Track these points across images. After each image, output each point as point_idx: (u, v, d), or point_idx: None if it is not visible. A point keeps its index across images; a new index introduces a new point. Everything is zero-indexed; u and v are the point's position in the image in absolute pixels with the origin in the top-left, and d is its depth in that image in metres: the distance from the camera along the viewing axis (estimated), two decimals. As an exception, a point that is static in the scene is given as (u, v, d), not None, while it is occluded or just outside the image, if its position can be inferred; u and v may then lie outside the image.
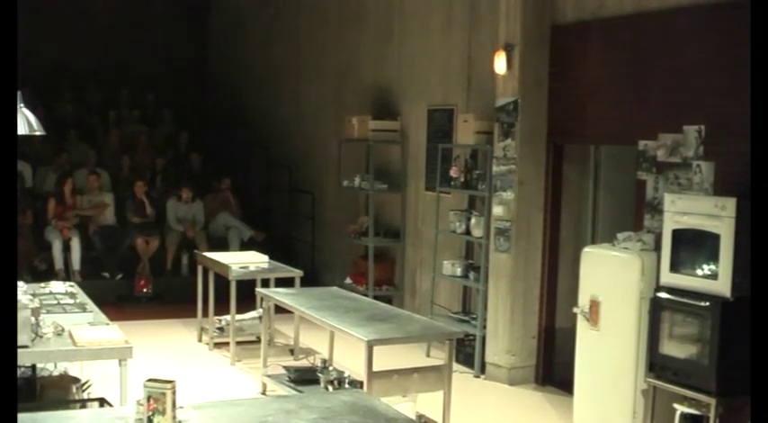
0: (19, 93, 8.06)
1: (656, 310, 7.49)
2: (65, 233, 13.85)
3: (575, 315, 8.23)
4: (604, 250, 8.13)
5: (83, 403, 7.13)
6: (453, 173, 10.80)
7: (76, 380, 7.79)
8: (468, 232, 10.62)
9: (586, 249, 8.34)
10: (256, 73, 17.40)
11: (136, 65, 18.49)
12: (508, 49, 9.77)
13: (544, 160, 9.88)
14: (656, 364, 7.49)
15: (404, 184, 12.52)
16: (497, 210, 9.98)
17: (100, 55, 18.30)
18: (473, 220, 10.49)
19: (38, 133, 8.31)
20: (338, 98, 14.23)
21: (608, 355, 7.90)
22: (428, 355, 10.64)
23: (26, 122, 8.12)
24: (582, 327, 8.16)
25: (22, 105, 8.10)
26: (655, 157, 8.21)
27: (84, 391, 7.48)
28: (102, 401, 7.30)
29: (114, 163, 16.11)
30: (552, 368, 9.95)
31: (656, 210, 8.03)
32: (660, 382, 7.43)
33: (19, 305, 6.67)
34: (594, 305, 7.99)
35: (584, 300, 8.13)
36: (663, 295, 7.42)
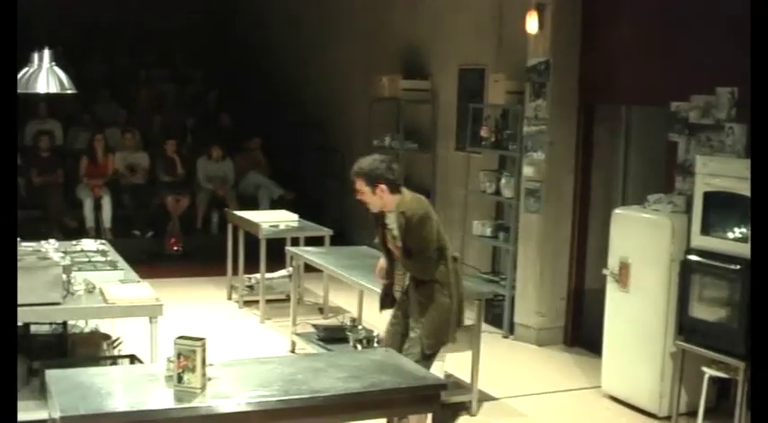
0: (50, 51, 8.10)
1: (685, 272, 7.47)
2: (96, 191, 13.92)
3: (604, 277, 8.22)
4: (635, 212, 8.10)
5: (113, 360, 7.19)
6: (484, 133, 10.77)
7: (107, 337, 7.85)
8: (498, 193, 10.60)
9: (617, 211, 8.31)
10: (286, 32, 17.34)
11: (165, 23, 18.47)
12: (540, 9, 9.71)
13: (575, 121, 9.83)
14: (686, 327, 7.48)
15: (434, 144, 12.50)
16: (528, 170, 9.95)
17: (130, 14, 18.29)
18: (503, 181, 10.47)
19: (69, 91, 8.35)
20: (368, 57, 14.18)
21: (637, 317, 7.89)
22: (457, 315, 10.66)
23: (57, 81, 8.16)
24: (611, 288, 8.15)
25: (53, 63, 8.14)
26: (687, 119, 8.14)
27: (114, 348, 7.54)
28: (133, 358, 7.36)
29: (145, 122, 16.16)
30: (581, 329, 9.95)
31: (688, 172, 7.97)
32: (689, 346, 7.42)
33: (50, 262, 6.74)
34: (624, 267, 7.97)
35: (613, 261, 8.11)
36: (693, 258, 7.39)
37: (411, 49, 12.99)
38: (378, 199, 6.54)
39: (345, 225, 13.91)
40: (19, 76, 8.24)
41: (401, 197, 6.53)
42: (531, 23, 9.77)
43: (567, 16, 9.69)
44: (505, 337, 10.21)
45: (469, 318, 8.48)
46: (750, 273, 6.03)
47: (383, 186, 6.47)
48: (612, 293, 8.15)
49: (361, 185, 6.52)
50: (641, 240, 7.88)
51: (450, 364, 7.81)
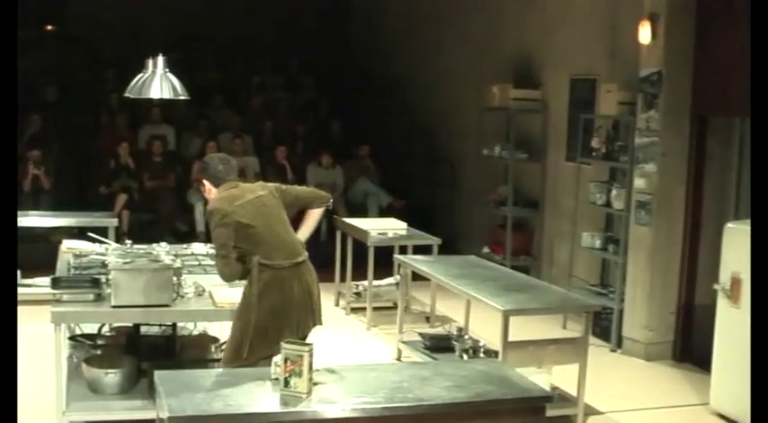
0: (164, 58, 8.25)
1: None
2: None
3: (715, 292, 8.09)
4: (748, 226, 7.95)
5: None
6: (594, 144, 10.68)
7: (215, 339, 7.95)
8: (608, 204, 10.50)
9: (729, 225, 8.17)
10: (397, 40, 17.39)
11: (279, 31, 18.66)
12: (653, 19, 9.60)
13: (688, 132, 9.70)
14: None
15: (544, 154, 12.44)
16: (639, 182, 9.84)
17: (244, 23, 18.51)
18: (614, 192, 10.37)
19: (182, 97, 8.49)
20: (479, 66, 14.16)
21: (749, 334, 7.75)
22: (564, 327, 10.58)
23: (170, 87, 8.30)
24: (722, 304, 8.01)
25: (167, 70, 8.28)
26: (803, 132, 7.97)
27: (222, 350, 7.61)
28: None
29: (257, 128, 16.34)
30: (690, 345, 9.80)
31: (804, 186, 7.80)
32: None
33: (162, 265, 6.85)
34: (736, 282, 7.83)
35: (725, 276, 7.97)
36: (809, 274, 7.24)
37: (522, 58, 12.94)
38: (207, 193, 6.71)
39: (454, 234, 13.90)
40: (133, 81, 8.40)
41: (220, 192, 6.55)
42: (644, 33, 9.66)
43: (681, 26, 9.57)
44: (613, 350, 10.11)
45: (577, 330, 8.44)
46: (750, 272, 5.84)
47: (207, 182, 6.67)
48: (723, 309, 8.01)
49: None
50: (754, 255, 7.74)
51: (557, 376, 7.75)
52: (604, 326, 10.36)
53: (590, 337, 7.91)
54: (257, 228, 6.33)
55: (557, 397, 7.24)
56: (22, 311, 10.48)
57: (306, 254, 6.49)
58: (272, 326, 6.22)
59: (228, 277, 6.47)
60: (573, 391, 7.77)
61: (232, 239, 6.31)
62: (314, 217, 6.67)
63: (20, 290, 11.02)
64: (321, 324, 6.57)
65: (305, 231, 6.69)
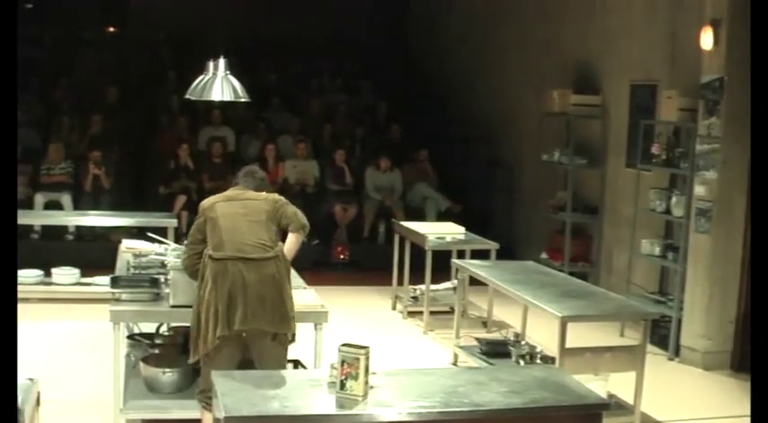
0: (225, 60, 8.31)
1: None
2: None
3: (775, 301, 8.00)
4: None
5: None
6: (655, 150, 10.60)
7: (286, 348, 7.97)
8: (668, 211, 10.42)
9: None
10: (457, 44, 17.39)
11: (337, 35, 18.73)
12: (715, 25, 9.51)
13: (750, 140, 9.60)
14: None
15: (603, 160, 12.37)
16: (699, 189, 9.76)
17: (305, 26, 18.59)
18: (674, 199, 10.29)
19: (242, 100, 8.54)
20: (539, 71, 14.11)
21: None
22: (622, 335, 10.51)
23: (231, 89, 8.36)
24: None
25: (227, 72, 8.34)
26: None
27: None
28: (297, 363, 7.47)
29: (315, 131, 16.39)
30: (750, 355, 9.70)
31: None
32: None
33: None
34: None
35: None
36: None
37: (582, 63, 12.89)
38: None
39: (512, 239, 13.87)
40: (194, 83, 8.47)
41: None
42: (706, 40, 9.58)
43: (743, 32, 9.46)
44: (671, 359, 10.03)
45: (634, 338, 8.38)
46: (750, 272, 5.75)
47: None
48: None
49: None
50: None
51: (614, 384, 7.70)
52: (662, 334, 10.27)
53: (648, 345, 7.85)
54: (220, 220, 6.41)
55: (613, 405, 7.19)
56: (81, 309, 10.67)
57: (270, 255, 6.35)
58: (222, 310, 6.19)
59: (184, 267, 6.63)
60: (630, 400, 7.71)
61: (201, 233, 6.48)
62: (291, 242, 6.60)
63: (80, 288, 11.21)
64: (284, 332, 6.40)
65: (286, 253, 6.64)
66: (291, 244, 6.56)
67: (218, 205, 6.51)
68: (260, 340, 6.29)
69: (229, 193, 6.69)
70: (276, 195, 6.72)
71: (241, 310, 6.17)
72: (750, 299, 9.60)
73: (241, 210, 6.46)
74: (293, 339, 6.55)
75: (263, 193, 6.70)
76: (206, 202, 6.59)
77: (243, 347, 6.38)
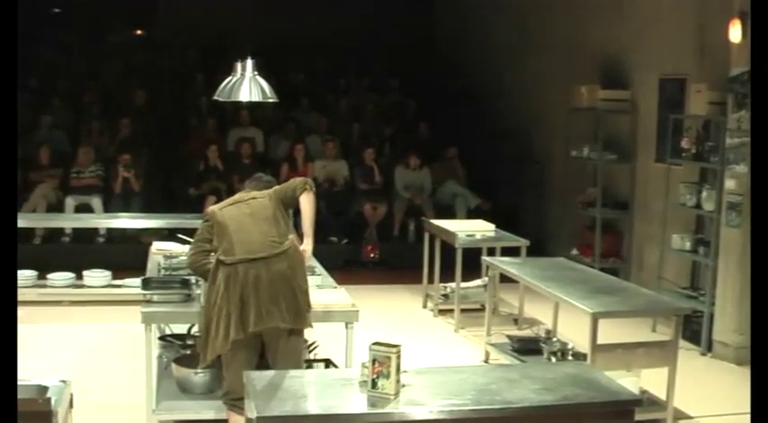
0: (252, 61, 8.32)
1: None
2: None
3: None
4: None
5: (309, 363, 7.30)
6: (684, 144, 10.56)
7: (304, 341, 7.99)
8: (698, 206, 10.37)
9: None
10: (484, 41, 17.36)
11: (364, 33, 18.72)
12: (743, 18, 9.45)
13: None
14: None
15: (633, 155, 12.32)
16: (729, 183, 9.71)
17: (331, 26, 18.60)
18: (704, 194, 10.24)
19: (270, 100, 8.56)
20: (567, 67, 14.07)
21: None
22: (654, 331, 10.46)
23: (259, 89, 8.37)
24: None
25: (255, 73, 8.35)
26: None
27: (310, 351, 7.66)
28: (328, 362, 7.47)
29: (344, 130, 16.40)
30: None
31: None
32: None
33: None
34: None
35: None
36: None
37: (610, 58, 12.84)
38: None
39: (542, 236, 13.83)
40: (222, 84, 8.49)
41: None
42: (734, 33, 9.53)
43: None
44: (703, 354, 9.98)
45: (666, 334, 8.34)
46: (750, 272, 5.69)
47: None
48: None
49: None
50: None
51: (646, 380, 7.68)
52: (694, 329, 10.23)
53: (680, 340, 7.81)
54: (229, 226, 6.43)
55: (646, 401, 7.16)
56: (113, 311, 10.73)
57: (280, 250, 6.34)
58: (235, 314, 6.20)
59: (188, 264, 6.76)
60: (662, 395, 7.68)
61: (208, 234, 6.53)
62: (304, 205, 6.57)
63: (111, 290, 11.27)
64: (300, 327, 6.44)
65: (305, 223, 6.62)
66: (306, 206, 6.58)
67: (224, 210, 6.55)
68: (277, 338, 6.32)
69: (236, 196, 6.76)
70: (276, 186, 6.75)
71: (254, 311, 6.19)
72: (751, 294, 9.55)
73: (247, 210, 6.50)
74: (310, 348, 6.57)
75: (267, 190, 6.72)
76: (213, 208, 6.66)
77: (260, 347, 6.39)
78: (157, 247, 8.91)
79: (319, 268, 8.22)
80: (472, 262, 10.72)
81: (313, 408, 4.73)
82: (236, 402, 6.21)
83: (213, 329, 6.25)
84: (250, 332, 6.18)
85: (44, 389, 4.78)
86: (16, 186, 12.91)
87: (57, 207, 13.74)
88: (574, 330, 9.12)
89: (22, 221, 12.10)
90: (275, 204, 6.50)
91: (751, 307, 4.40)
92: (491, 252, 10.86)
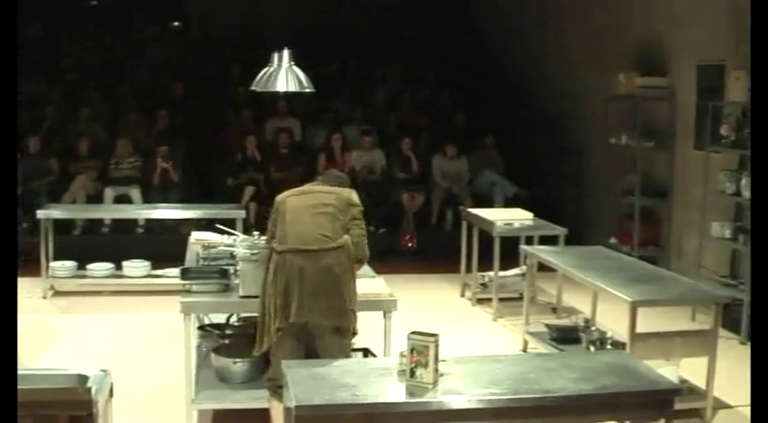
0: (289, 52, 8.33)
1: None
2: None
3: None
4: None
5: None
6: (724, 131, 10.49)
7: (350, 344, 7.99)
8: (738, 193, 10.30)
9: None
10: (521, 29, 17.31)
11: (401, 24, 18.72)
12: (784, 3, 9.37)
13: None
14: None
15: (672, 143, 12.25)
16: (770, 170, 9.62)
17: (367, 15, 18.61)
18: (743, 181, 10.17)
19: (307, 90, 8.56)
20: (604, 54, 14.00)
21: None
22: (693, 319, 10.41)
23: (296, 80, 8.37)
24: None
25: (292, 63, 8.36)
26: None
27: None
28: (366, 352, 7.48)
29: (380, 120, 16.41)
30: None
31: None
32: None
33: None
34: None
35: None
36: None
37: (647, 45, 12.76)
38: None
39: (580, 224, 13.77)
40: (259, 75, 8.50)
41: None
42: (774, 18, 9.44)
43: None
44: (743, 343, 9.91)
45: (706, 322, 8.29)
46: (750, 272, 5.64)
47: None
48: None
49: None
50: None
51: (685, 369, 7.64)
52: (734, 318, 10.16)
53: (719, 329, 7.76)
54: (288, 215, 6.40)
55: (685, 390, 7.13)
56: (152, 301, 10.80)
57: (331, 246, 6.25)
58: (280, 302, 6.19)
59: (263, 262, 6.67)
60: (702, 384, 7.64)
61: (272, 225, 6.51)
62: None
63: (150, 281, 11.35)
64: (341, 326, 6.30)
65: None
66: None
67: (289, 199, 6.52)
68: (321, 333, 6.27)
69: (305, 187, 6.71)
70: (351, 195, 6.63)
71: (296, 302, 6.16)
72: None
73: (308, 201, 6.45)
74: (355, 332, 6.54)
75: (338, 187, 6.67)
76: (280, 197, 6.60)
77: (307, 338, 6.38)
78: (196, 237, 8.94)
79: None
80: (510, 251, 10.71)
81: (352, 397, 4.74)
82: (278, 389, 6.23)
83: (267, 317, 6.26)
84: (290, 322, 6.18)
85: (84, 378, 4.81)
86: (16, 187, 13.02)
87: (96, 198, 13.83)
88: (612, 319, 9.09)
89: (62, 212, 12.24)
90: (339, 206, 6.44)
91: (751, 308, 4.39)
92: (529, 241, 10.83)
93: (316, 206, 6.42)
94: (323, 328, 6.24)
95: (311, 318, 6.18)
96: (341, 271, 6.24)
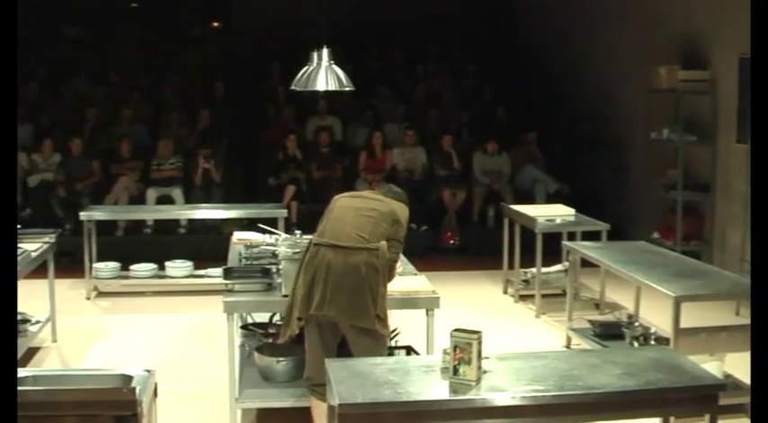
0: (328, 50, 8.35)
1: None
2: (374, 185, 14.20)
3: None
4: None
5: (390, 350, 7.32)
6: (766, 125, 10.40)
7: (382, 345, 8.00)
8: (781, 186, 10.21)
9: None
10: (562, 24, 17.25)
11: (442, 19, 18.70)
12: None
13: None
14: None
15: (714, 137, 12.15)
16: (814, 163, 9.54)
17: (407, 11, 18.61)
18: (787, 174, 10.08)
19: (346, 89, 8.58)
20: (645, 47, 13.93)
21: None
22: (737, 314, 10.33)
23: (336, 78, 8.40)
24: None
25: (331, 62, 8.38)
26: None
27: (392, 339, 7.67)
28: (409, 349, 7.48)
29: (421, 117, 16.40)
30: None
31: None
32: None
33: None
34: None
35: None
36: None
37: (689, 38, 12.68)
38: None
39: (623, 220, 13.72)
40: (299, 74, 8.53)
41: None
42: (818, 10, 9.35)
43: None
44: (789, 336, 9.83)
45: (750, 317, 8.21)
46: (750, 272, 5.56)
47: None
48: None
49: None
50: None
51: (730, 364, 7.58)
52: (779, 311, 10.07)
53: (765, 323, 7.69)
54: (334, 212, 6.46)
55: (730, 385, 7.07)
56: (195, 301, 10.86)
57: (363, 246, 6.19)
58: (304, 293, 6.20)
59: None
60: (747, 380, 7.58)
61: (322, 221, 6.52)
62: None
63: (193, 280, 11.42)
64: (362, 326, 6.21)
65: None
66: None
67: (342, 199, 6.59)
68: (346, 330, 6.27)
69: (362, 192, 6.87)
70: (400, 210, 6.54)
71: (319, 294, 6.15)
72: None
73: (358, 204, 6.47)
74: (392, 335, 6.49)
75: (391, 199, 6.64)
76: (336, 196, 6.68)
77: (337, 335, 6.39)
78: (238, 237, 8.97)
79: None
80: (552, 247, 10.67)
81: (395, 395, 4.73)
82: (315, 388, 6.24)
83: (291, 307, 6.30)
84: (311, 314, 6.18)
85: (129, 378, 4.85)
86: (16, 186, 13.12)
87: (138, 199, 13.92)
88: (656, 314, 9.04)
89: (105, 214, 12.32)
90: (384, 214, 6.41)
91: (751, 309, 4.35)
92: (571, 237, 10.80)
93: (361, 209, 6.42)
94: (345, 325, 6.25)
95: (331, 311, 6.17)
96: (369, 272, 6.16)
